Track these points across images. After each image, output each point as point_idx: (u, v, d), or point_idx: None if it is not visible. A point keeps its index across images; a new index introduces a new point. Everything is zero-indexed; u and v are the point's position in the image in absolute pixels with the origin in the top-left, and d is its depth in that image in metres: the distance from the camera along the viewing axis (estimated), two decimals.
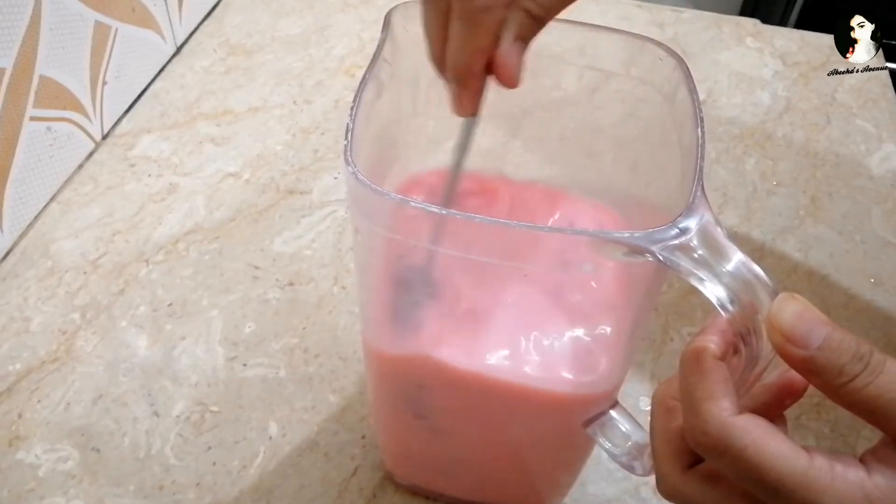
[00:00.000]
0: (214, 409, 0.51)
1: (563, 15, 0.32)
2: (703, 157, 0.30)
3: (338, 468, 0.48)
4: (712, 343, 0.26)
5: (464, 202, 0.42)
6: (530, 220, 0.40)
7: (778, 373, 0.28)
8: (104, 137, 0.70)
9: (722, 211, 0.66)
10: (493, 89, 0.33)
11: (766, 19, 0.89)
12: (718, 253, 0.26)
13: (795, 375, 0.27)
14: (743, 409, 0.24)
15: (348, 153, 0.29)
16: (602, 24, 0.36)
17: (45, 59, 0.60)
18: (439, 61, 0.33)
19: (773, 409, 0.28)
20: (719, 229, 0.27)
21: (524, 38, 0.31)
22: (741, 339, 0.26)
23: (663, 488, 0.28)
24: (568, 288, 0.36)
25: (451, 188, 0.35)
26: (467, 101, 0.33)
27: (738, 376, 0.26)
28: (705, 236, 0.27)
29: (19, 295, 0.57)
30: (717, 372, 0.25)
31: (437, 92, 0.40)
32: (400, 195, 0.29)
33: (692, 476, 0.27)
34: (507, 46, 0.31)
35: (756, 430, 0.24)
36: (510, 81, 0.31)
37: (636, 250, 0.27)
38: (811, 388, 0.25)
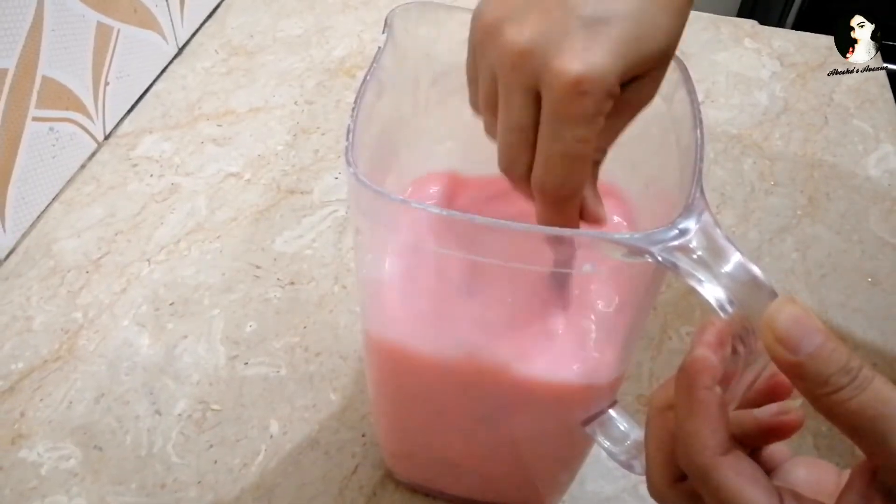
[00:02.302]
0: (216, 407, 0.51)
1: None
2: (702, 158, 0.30)
3: (338, 466, 0.49)
4: (708, 357, 0.26)
5: (464, 203, 0.42)
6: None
7: (775, 408, 0.29)
8: (106, 138, 0.70)
9: (720, 211, 0.66)
10: None
11: (763, 20, 0.89)
12: (717, 254, 0.26)
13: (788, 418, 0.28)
14: (729, 448, 0.25)
15: (349, 154, 0.30)
16: None
17: (47, 59, 0.61)
18: (516, 176, 0.31)
19: (762, 438, 0.29)
20: (718, 230, 0.27)
21: (595, 181, 0.32)
22: (739, 340, 0.26)
23: (652, 491, 0.29)
24: (567, 287, 0.36)
25: None
26: (561, 223, 0.32)
27: (734, 378, 0.26)
28: (704, 237, 0.27)
29: (22, 294, 0.57)
30: (707, 407, 0.25)
31: (437, 92, 0.40)
32: (400, 195, 0.29)
33: (679, 490, 0.28)
34: (593, 202, 0.32)
35: (733, 475, 0.25)
36: (601, 223, 0.33)
37: (635, 251, 0.27)
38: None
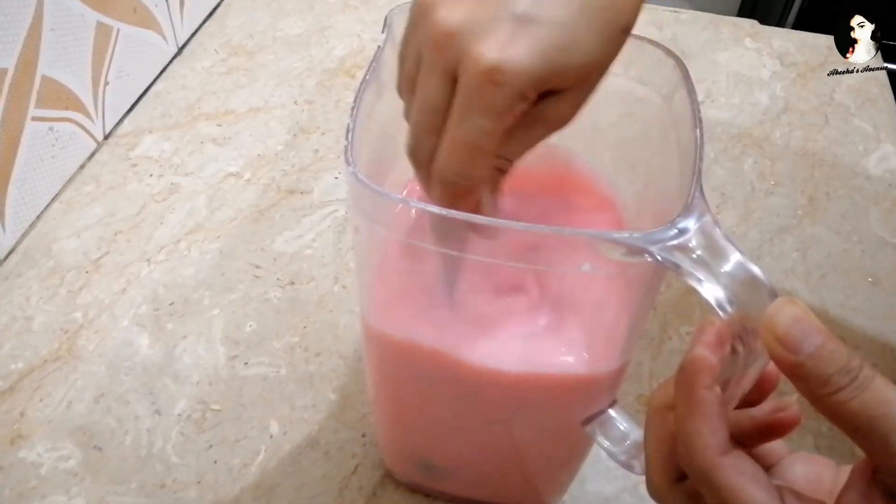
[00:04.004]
0: (216, 407, 0.51)
1: None
2: (701, 158, 0.30)
3: (338, 466, 0.49)
4: (707, 357, 0.26)
5: None
6: (531, 212, 0.40)
7: (772, 406, 0.28)
8: (106, 137, 0.70)
9: (720, 211, 0.66)
10: None
11: (764, 20, 0.89)
12: (717, 253, 0.26)
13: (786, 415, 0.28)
14: (729, 448, 0.25)
15: (349, 153, 0.30)
16: None
17: (47, 59, 0.61)
18: (420, 160, 0.31)
19: (761, 436, 0.29)
20: (718, 229, 0.27)
21: (498, 190, 0.32)
22: (739, 339, 0.26)
23: (651, 491, 0.29)
24: (567, 286, 0.36)
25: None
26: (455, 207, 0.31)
27: (733, 378, 0.26)
28: (704, 237, 0.27)
29: (21, 294, 0.57)
30: (707, 407, 0.25)
31: None
32: (400, 195, 0.29)
33: (679, 490, 0.28)
34: (490, 211, 0.32)
35: (734, 475, 0.25)
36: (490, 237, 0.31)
37: (635, 251, 0.27)
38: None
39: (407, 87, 0.31)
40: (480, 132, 0.28)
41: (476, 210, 0.31)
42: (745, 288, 0.26)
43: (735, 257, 0.26)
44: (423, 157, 0.30)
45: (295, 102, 0.75)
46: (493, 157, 0.29)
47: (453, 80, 0.28)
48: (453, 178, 0.29)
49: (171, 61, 0.79)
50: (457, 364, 0.35)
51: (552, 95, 0.29)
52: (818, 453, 0.50)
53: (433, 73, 0.28)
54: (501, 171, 0.31)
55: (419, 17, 0.29)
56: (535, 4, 0.27)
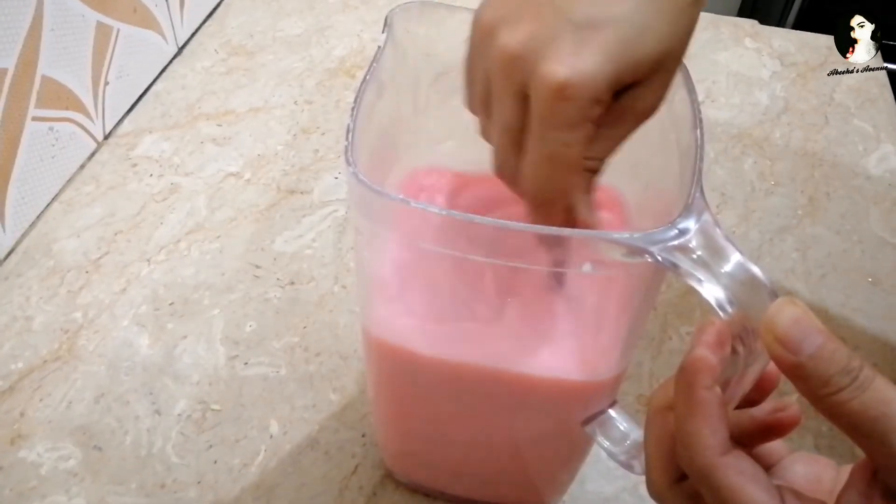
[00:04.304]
0: (216, 407, 0.51)
1: None
2: (702, 158, 0.30)
3: (338, 466, 0.49)
4: (707, 357, 0.26)
5: (467, 199, 0.42)
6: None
7: (770, 407, 0.28)
8: (106, 137, 0.70)
9: (720, 211, 0.66)
10: None
11: (763, 20, 0.89)
12: (717, 254, 0.26)
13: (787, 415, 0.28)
14: (729, 448, 0.25)
15: (349, 153, 0.30)
16: None
17: (46, 59, 0.61)
18: (508, 177, 0.32)
19: (761, 436, 0.29)
20: (718, 230, 0.27)
21: (591, 191, 0.32)
22: (739, 340, 0.26)
23: (651, 492, 0.29)
24: (567, 287, 0.36)
25: None
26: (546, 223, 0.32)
27: (733, 378, 0.26)
28: (704, 237, 0.27)
29: (21, 294, 0.57)
30: (707, 407, 0.25)
31: (437, 92, 0.40)
32: (400, 195, 0.29)
33: (679, 490, 0.28)
34: (585, 211, 0.32)
35: (734, 475, 0.25)
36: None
37: (635, 251, 0.27)
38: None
39: (480, 107, 0.31)
40: (561, 146, 0.28)
41: (571, 214, 0.31)
42: (746, 288, 0.26)
43: (735, 257, 0.26)
44: (509, 174, 0.31)
45: (295, 102, 0.75)
46: (579, 163, 0.29)
47: (525, 99, 0.28)
48: (544, 194, 0.30)
49: (171, 61, 0.79)
50: (456, 366, 0.35)
51: (633, 88, 0.28)
52: (818, 453, 0.50)
53: (505, 96, 0.29)
54: (593, 171, 0.31)
55: (482, 41, 0.29)
56: (593, 6, 0.27)
